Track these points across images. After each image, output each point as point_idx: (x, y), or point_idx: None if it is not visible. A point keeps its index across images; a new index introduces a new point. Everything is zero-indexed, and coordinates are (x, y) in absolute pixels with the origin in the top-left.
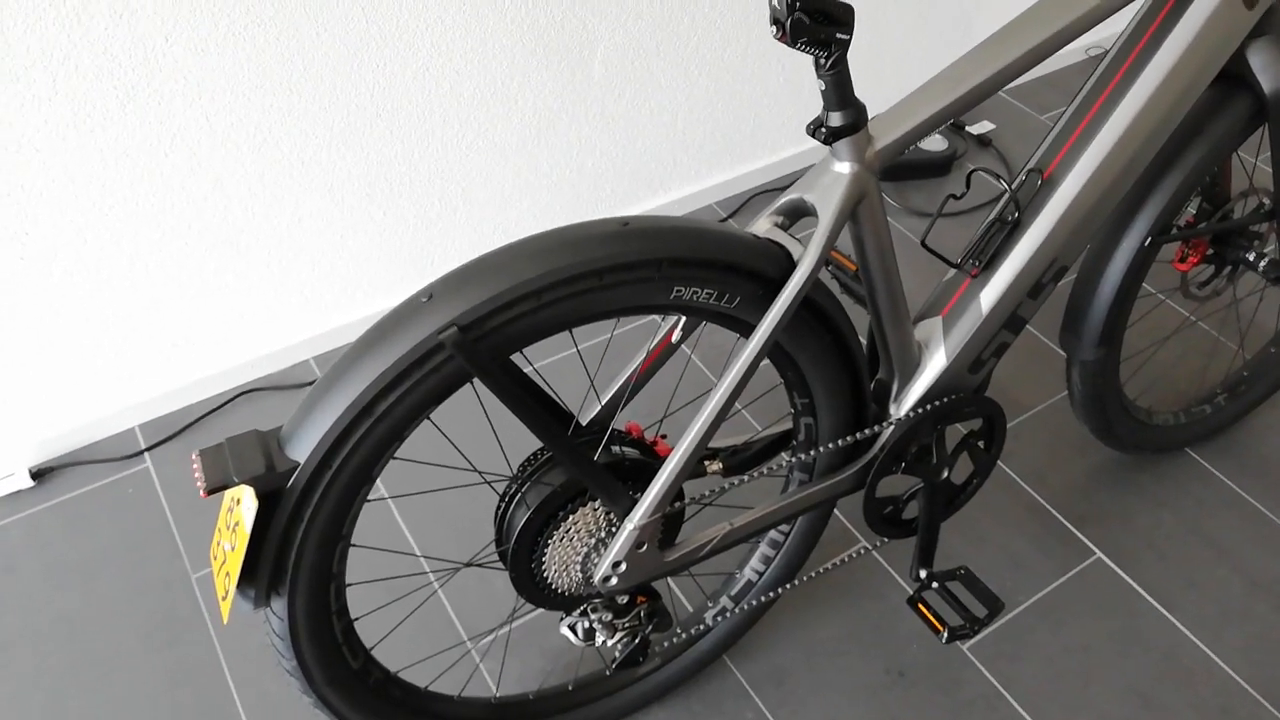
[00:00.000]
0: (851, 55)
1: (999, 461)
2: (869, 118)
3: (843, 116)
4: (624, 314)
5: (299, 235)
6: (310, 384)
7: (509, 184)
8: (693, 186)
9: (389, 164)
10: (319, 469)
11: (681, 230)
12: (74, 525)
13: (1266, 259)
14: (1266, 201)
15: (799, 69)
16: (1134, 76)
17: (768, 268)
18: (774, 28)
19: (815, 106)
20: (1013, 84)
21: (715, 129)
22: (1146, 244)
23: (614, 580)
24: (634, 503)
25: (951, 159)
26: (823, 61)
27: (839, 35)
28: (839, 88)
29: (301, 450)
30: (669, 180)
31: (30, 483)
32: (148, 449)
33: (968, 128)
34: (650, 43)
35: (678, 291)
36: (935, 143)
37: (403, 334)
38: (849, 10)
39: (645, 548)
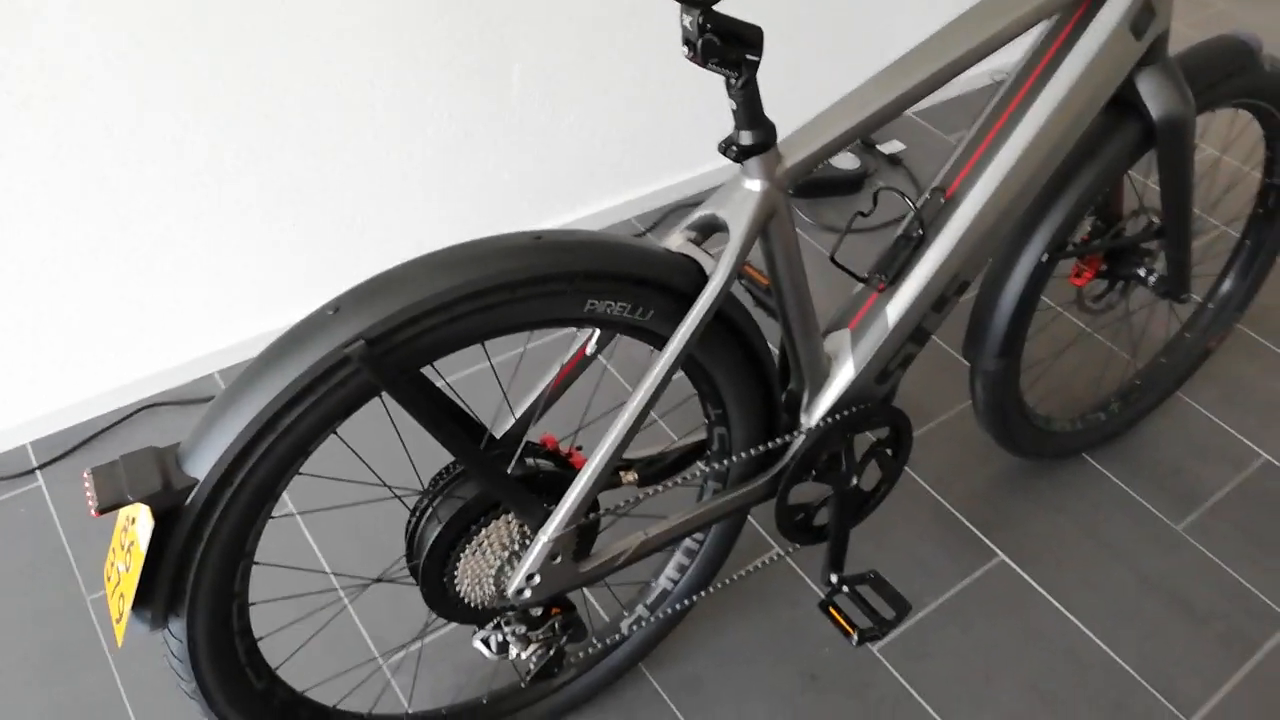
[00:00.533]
0: (767, 73)
1: (906, 468)
2: (778, 136)
3: (753, 135)
4: (537, 327)
5: (204, 248)
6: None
7: (423, 197)
8: (611, 201)
9: (299, 176)
10: (219, 486)
11: (595, 244)
12: None
13: (1156, 275)
14: (1156, 220)
15: (713, 87)
16: (1030, 101)
17: (680, 282)
18: (686, 48)
19: (729, 124)
20: (922, 106)
21: (632, 145)
22: (1044, 260)
23: (528, 593)
24: (548, 515)
25: (863, 177)
26: (733, 81)
27: (749, 56)
28: (749, 107)
29: (201, 467)
30: (587, 194)
31: None
32: (40, 467)
33: (878, 146)
34: (568, 59)
35: (591, 305)
36: (847, 161)
37: (308, 347)
38: (758, 32)
39: (559, 559)
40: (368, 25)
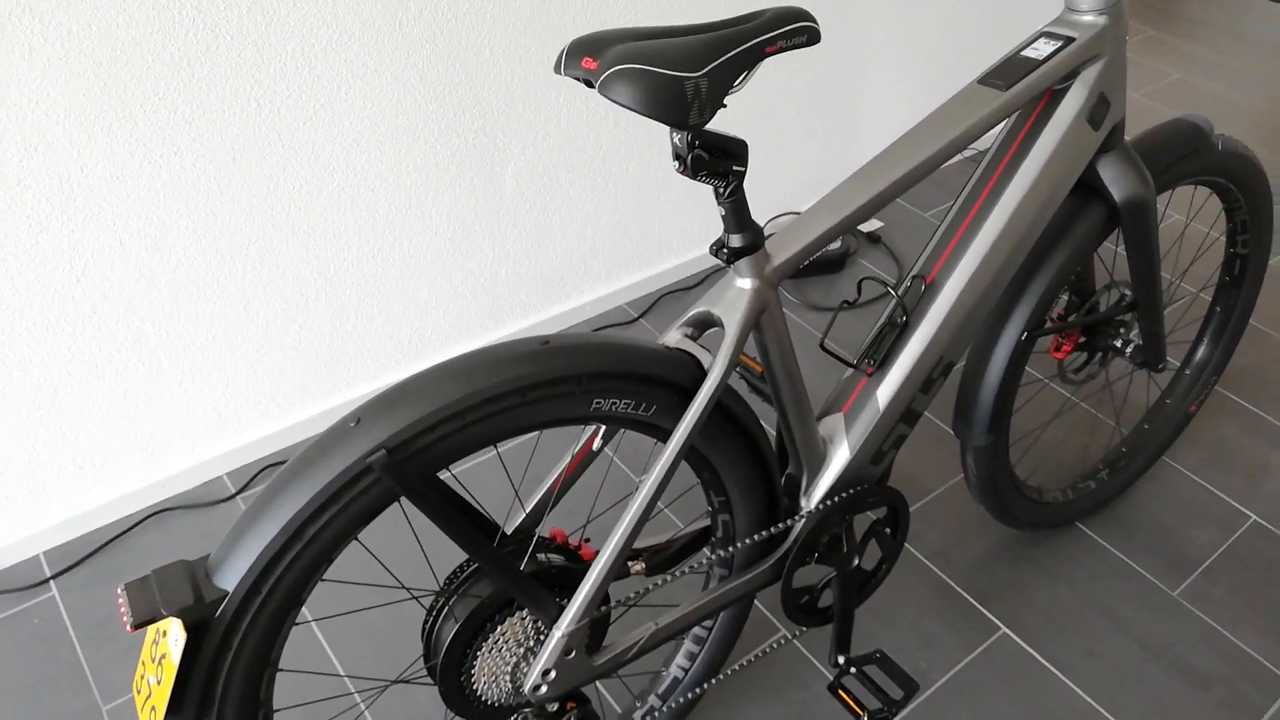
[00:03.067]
0: (750, 163)
1: (905, 544)
2: (766, 236)
3: (742, 238)
4: (546, 427)
5: (213, 352)
6: (223, 501)
7: (425, 294)
8: (604, 289)
9: (305, 279)
10: (248, 596)
11: (599, 346)
12: None
13: (1132, 345)
14: (1127, 293)
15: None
16: (1000, 192)
17: (680, 377)
18: (676, 162)
19: (713, 211)
20: None
21: (623, 235)
22: (1023, 338)
23: (544, 688)
24: (561, 609)
25: (845, 257)
26: (722, 191)
27: (735, 168)
28: (737, 213)
29: (230, 578)
30: (581, 284)
31: None
32: (53, 577)
33: (859, 227)
34: (559, 158)
35: (597, 404)
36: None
37: (331, 458)
38: (743, 145)
39: (574, 654)
40: (370, 132)
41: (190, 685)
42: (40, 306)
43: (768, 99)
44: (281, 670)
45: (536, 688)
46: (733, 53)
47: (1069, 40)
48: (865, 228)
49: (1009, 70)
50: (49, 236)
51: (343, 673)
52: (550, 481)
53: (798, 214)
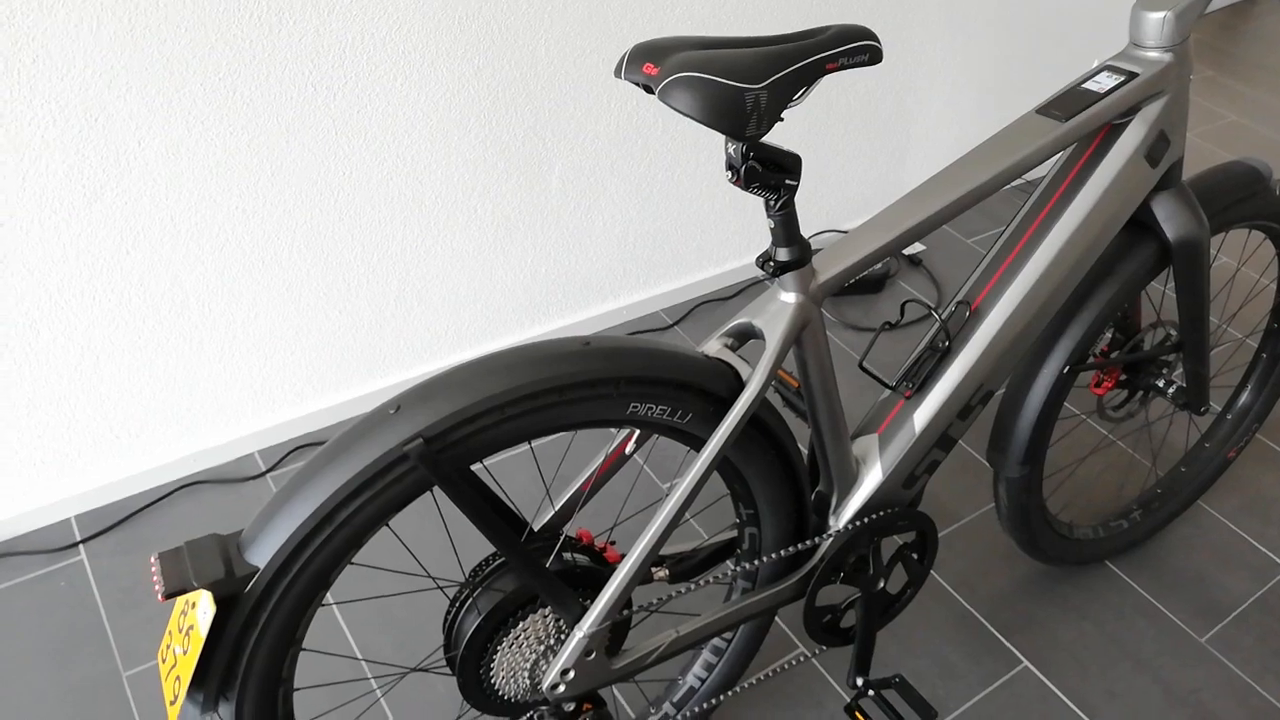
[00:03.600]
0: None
1: (931, 571)
2: (813, 251)
3: (789, 253)
4: (582, 427)
5: (253, 331)
6: (253, 478)
7: (465, 288)
8: (641, 294)
9: (348, 265)
10: (279, 574)
11: (640, 350)
12: (0, 620)
13: (1175, 386)
14: (1174, 333)
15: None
16: (1051, 223)
17: (718, 387)
18: (729, 173)
19: (757, 222)
20: None
21: (664, 241)
22: (1065, 372)
23: (562, 687)
24: (584, 610)
25: (885, 278)
26: (773, 204)
27: (788, 181)
28: (787, 227)
29: (262, 556)
30: (619, 288)
31: None
32: (83, 541)
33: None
34: (605, 161)
35: (634, 408)
36: None
37: (369, 443)
38: (797, 160)
39: (594, 655)
40: (422, 124)
41: (215, 658)
42: (89, 275)
43: (817, 114)
44: (304, 650)
45: (554, 686)
46: (794, 67)
47: (1131, 75)
48: (907, 250)
49: (1069, 102)
50: (102, 206)
51: (363, 657)
52: (580, 481)
53: (840, 232)
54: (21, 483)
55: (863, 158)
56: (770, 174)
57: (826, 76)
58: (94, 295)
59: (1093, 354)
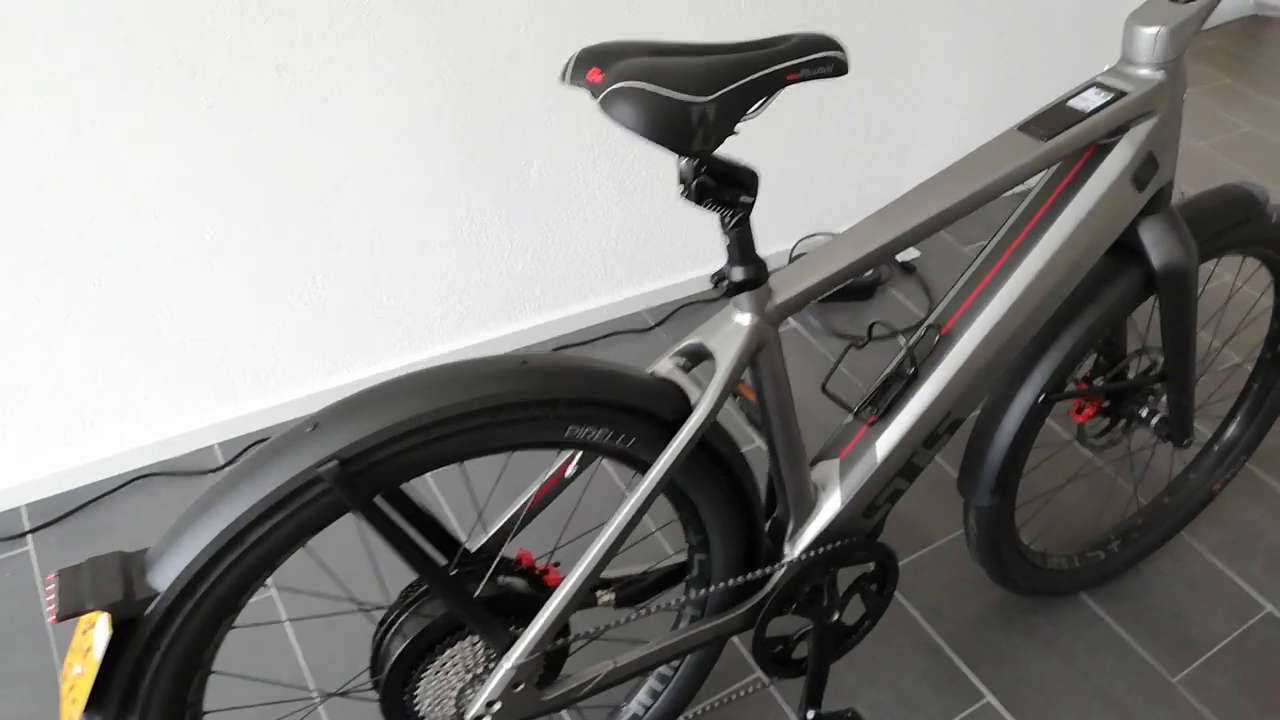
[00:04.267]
0: (784, 176)
1: (897, 594)
2: (769, 271)
3: (744, 272)
4: (517, 449)
5: (214, 320)
6: (211, 471)
7: (437, 282)
8: (623, 293)
9: (314, 256)
10: (180, 598)
11: (579, 370)
12: None
13: (1159, 416)
14: (1159, 361)
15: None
16: (1030, 245)
17: (664, 410)
18: (681, 187)
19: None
20: None
21: (647, 240)
22: (1040, 400)
23: (487, 718)
24: (513, 640)
25: (875, 284)
26: (726, 220)
27: (743, 198)
28: (741, 245)
29: (163, 578)
30: (599, 287)
31: None
32: (31, 531)
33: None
34: (587, 157)
35: (572, 430)
36: None
37: (283, 463)
38: (753, 175)
39: (522, 686)
40: (394, 113)
41: (114, 681)
42: (43, 259)
43: (810, 115)
44: (217, 673)
45: (479, 717)
46: (748, 79)
47: (1120, 94)
48: (901, 257)
49: (1052, 120)
50: (57, 189)
51: (281, 681)
52: (520, 503)
53: (832, 235)
54: None
55: (859, 160)
56: (724, 190)
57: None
58: (48, 279)
59: (1073, 380)
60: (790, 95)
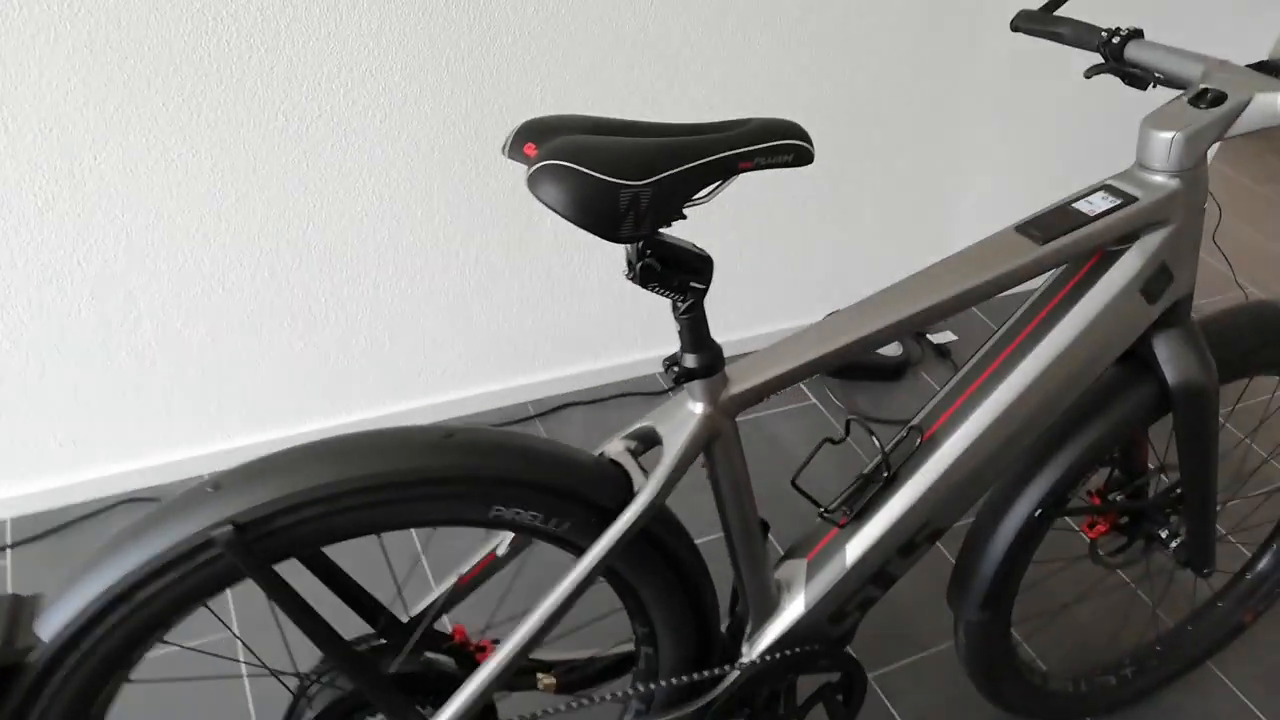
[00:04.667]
0: (820, 249)
1: (883, 699)
2: (725, 361)
3: (697, 360)
4: (438, 525)
5: (210, 355)
6: None
7: (442, 330)
8: (636, 355)
9: (314, 297)
10: (63, 650)
11: (508, 448)
12: None
13: (1178, 540)
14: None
15: (755, 259)
16: (1027, 350)
17: (601, 496)
18: (627, 268)
19: (765, 294)
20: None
21: (663, 302)
22: (1037, 514)
23: None
24: None
25: (905, 365)
26: (677, 306)
27: (694, 284)
28: (694, 331)
29: (49, 629)
30: (611, 346)
31: None
32: (12, 545)
33: (928, 335)
34: None
35: (497, 511)
36: (889, 348)
37: (178, 523)
38: (707, 261)
39: None
40: (402, 163)
41: None
42: (38, 282)
43: (845, 189)
44: None
45: None
46: (692, 164)
47: (1130, 199)
48: (935, 338)
49: (1052, 222)
50: (54, 216)
51: None
52: (455, 578)
53: None
54: None
55: (894, 240)
56: (672, 274)
57: (848, 148)
58: (41, 304)
59: (1081, 495)
60: (829, 170)
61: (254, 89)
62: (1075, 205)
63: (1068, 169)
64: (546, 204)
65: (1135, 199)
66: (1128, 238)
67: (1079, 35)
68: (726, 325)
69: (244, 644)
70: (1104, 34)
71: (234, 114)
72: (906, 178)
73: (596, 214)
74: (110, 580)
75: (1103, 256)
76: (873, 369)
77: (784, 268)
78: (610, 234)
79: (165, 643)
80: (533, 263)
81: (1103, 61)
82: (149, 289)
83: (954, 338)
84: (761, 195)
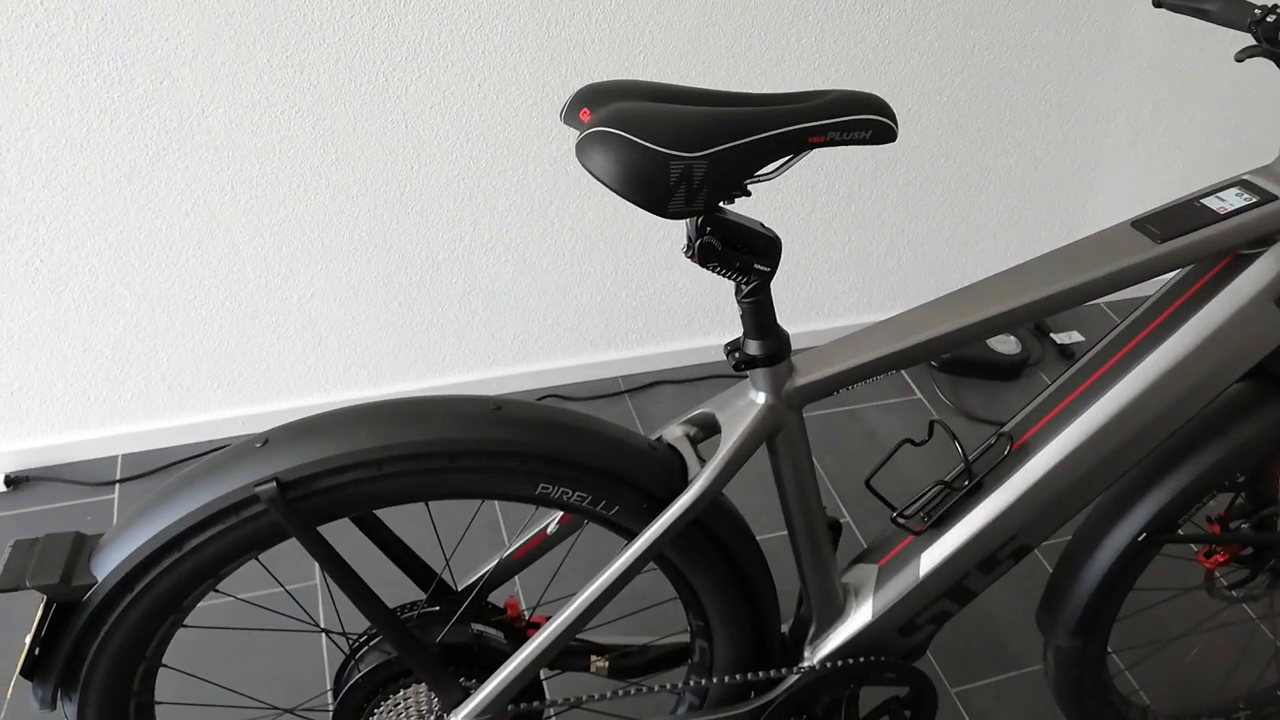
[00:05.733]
0: (933, 238)
1: (966, 718)
2: (792, 350)
3: (760, 347)
4: (483, 498)
5: (310, 310)
6: None
7: (535, 300)
8: (730, 336)
9: (411, 259)
10: (117, 591)
11: (557, 425)
12: None
13: None
14: None
15: (867, 240)
16: (1135, 360)
17: (654, 482)
18: (686, 246)
19: (881, 280)
20: (1113, 297)
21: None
22: (1141, 538)
23: None
24: (465, 694)
25: (1023, 364)
26: (740, 288)
27: (758, 265)
28: (757, 316)
29: (103, 569)
30: (709, 325)
31: (3, 488)
32: (121, 480)
33: (1052, 334)
34: None
35: (544, 488)
36: (1006, 344)
37: (225, 476)
38: (774, 242)
39: None
40: (499, 129)
41: (55, 656)
42: (149, 230)
43: (967, 172)
44: (168, 667)
45: None
46: (755, 137)
47: (1269, 198)
48: (1060, 339)
49: (1174, 219)
50: (164, 167)
51: (237, 690)
52: (510, 550)
53: None
54: (76, 414)
55: (1022, 231)
56: (733, 254)
57: (961, 128)
58: (152, 250)
59: (1192, 521)
60: (950, 146)
61: (355, 48)
62: (1203, 201)
63: (1228, 163)
64: (592, 173)
65: (1275, 197)
66: (1263, 240)
67: (1228, 13)
68: (817, 314)
69: (295, 600)
70: (1257, 12)
71: (335, 74)
72: (1038, 164)
73: (643, 186)
74: (161, 526)
75: (1234, 260)
76: (986, 366)
77: (888, 255)
78: (658, 208)
79: (219, 593)
80: (628, 235)
81: (1255, 44)
82: (252, 242)
83: (1080, 338)
84: (867, 174)
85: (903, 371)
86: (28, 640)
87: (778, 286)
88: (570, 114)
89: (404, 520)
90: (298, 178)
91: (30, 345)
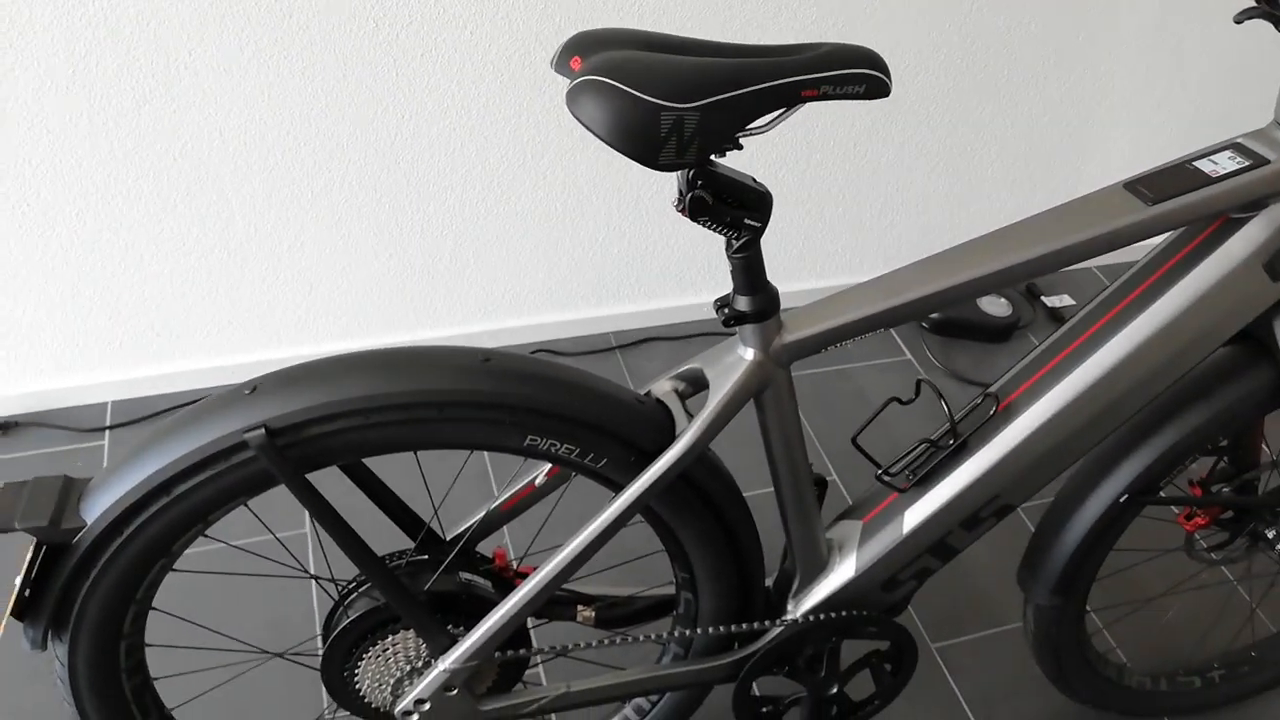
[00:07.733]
0: (929, 196)
1: (947, 675)
2: (781, 307)
3: (749, 303)
4: (471, 449)
5: (300, 259)
6: None
7: (527, 253)
8: (723, 292)
9: (402, 209)
10: (105, 534)
11: (544, 378)
12: None
13: None
14: None
15: (860, 199)
16: (1123, 323)
17: (641, 436)
18: (677, 199)
19: (874, 239)
20: (1105, 260)
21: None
22: (1122, 499)
23: (415, 717)
24: (452, 641)
25: (1013, 326)
26: (731, 243)
27: (749, 221)
28: (747, 272)
29: (92, 512)
30: (701, 281)
31: None
32: (110, 427)
33: (1043, 297)
34: None
35: (532, 440)
36: (997, 306)
37: (214, 422)
38: (765, 198)
39: (455, 691)
40: (491, 78)
41: (45, 597)
42: (136, 175)
43: (962, 132)
44: (159, 610)
45: (408, 713)
46: (747, 89)
47: (1262, 161)
48: (1051, 301)
49: (1166, 181)
50: (150, 110)
51: (227, 633)
52: (498, 501)
53: None
54: (65, 360)
55: (1018, 191)
56: (724, 209)
57: (969, 89)
58: (140, 195)
59: (1173, 484)
60: (947, 105)
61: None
62: (1196, 164)
63: (1224, 125)
64: (582, 122)
65: (1267, 161)
66: (1254, 204)
67: None
68: (809, 273)
69: (285, 546)
70: None
71: (325, 18)
72: (1034, 125)
73: (634, 137)
74: (150, 471)
75: (1224, 224)
76: (977, 328)
77: (882, 214)
78: (649, 160)
79: (209, 538)
80: (621, 190)
81: (1254, 4)
82: (241, 189)
83: (1071, 302)
84: (862, 132)
85: (893, 332)
86: (17, 581)
87: (770, 244)
88: (561, 62)
89: (393, 470)
90: (286, 124)
91: (17, 290)
